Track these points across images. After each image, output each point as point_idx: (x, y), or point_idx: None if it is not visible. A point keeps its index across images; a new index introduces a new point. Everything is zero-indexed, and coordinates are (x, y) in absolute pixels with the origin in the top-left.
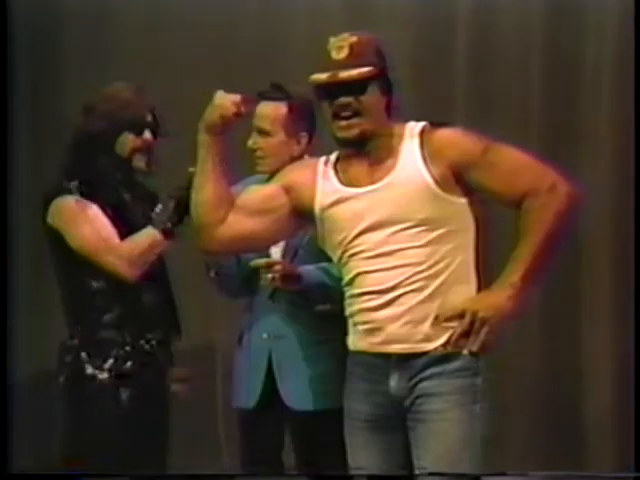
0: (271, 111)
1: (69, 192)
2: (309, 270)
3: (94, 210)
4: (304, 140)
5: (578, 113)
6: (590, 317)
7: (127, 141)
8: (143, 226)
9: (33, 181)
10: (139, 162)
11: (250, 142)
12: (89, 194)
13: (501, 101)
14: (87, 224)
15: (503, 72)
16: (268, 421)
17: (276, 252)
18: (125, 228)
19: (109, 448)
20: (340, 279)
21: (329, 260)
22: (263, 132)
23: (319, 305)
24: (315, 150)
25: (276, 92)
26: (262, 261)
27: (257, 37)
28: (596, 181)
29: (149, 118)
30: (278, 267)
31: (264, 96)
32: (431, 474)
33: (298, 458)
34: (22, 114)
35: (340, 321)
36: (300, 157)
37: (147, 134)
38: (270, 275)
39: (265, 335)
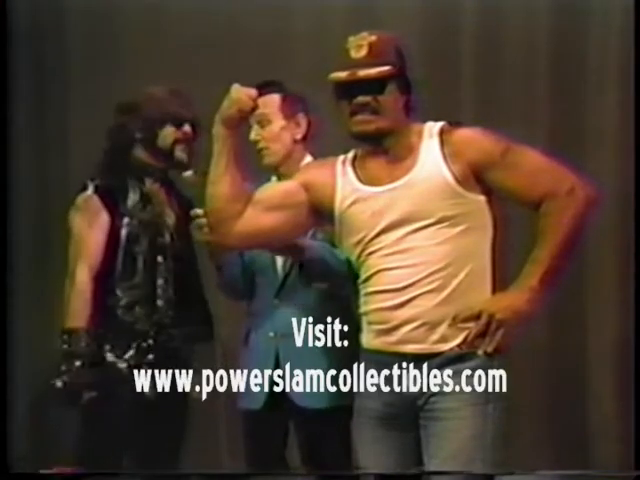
0: (266, 100)
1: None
2: (313, 244)
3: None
4: (303, 122)
5: (583, 113)
6: (593, 319)
7: (168, 133)
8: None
9: (35, 180)
10: (180, 153)
11: (252, 134)
12: (110, 192)
13: (506, 102)
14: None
15: (507, 72)
16: (275, 421)
17: None
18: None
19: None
20: (342, 261)
21: None
22: (263, 121)
23: (318, 283)
24: (324, 149)
25: (266, 87)
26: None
27: (260, 33)
28: (600, 180)
29: (187, 113)
30: (202, 220)
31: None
32: (441, 473)
33: (305, 457)
34: (25, 114)
35: (347, 318)
36: (303, 140)
37: (187, 127)
38: (196, 226)
39: (272, 334)
